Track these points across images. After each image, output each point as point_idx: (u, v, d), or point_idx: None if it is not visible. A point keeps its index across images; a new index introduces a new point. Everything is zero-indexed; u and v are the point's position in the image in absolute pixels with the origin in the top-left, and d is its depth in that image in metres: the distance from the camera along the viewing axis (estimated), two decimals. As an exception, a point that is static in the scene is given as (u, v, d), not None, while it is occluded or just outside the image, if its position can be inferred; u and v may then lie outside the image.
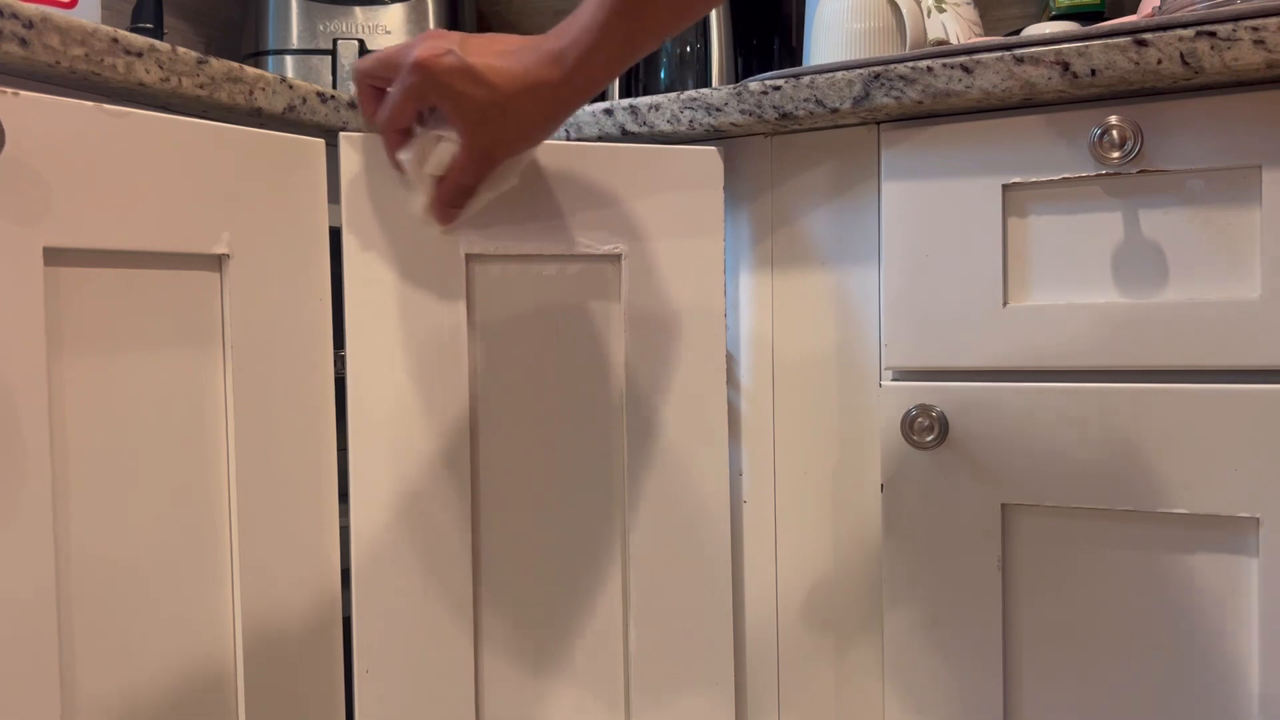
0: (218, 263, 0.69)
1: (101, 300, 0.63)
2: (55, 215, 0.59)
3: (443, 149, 0.68)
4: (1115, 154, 0.71)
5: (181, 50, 0.69)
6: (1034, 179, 0.74)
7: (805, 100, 0.78)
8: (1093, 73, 0.70)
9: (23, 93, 0.58)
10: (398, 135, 0.70)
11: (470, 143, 0.67)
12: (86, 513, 0.62)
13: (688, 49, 1.20)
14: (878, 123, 0.81)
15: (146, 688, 0.65)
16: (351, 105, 0.81)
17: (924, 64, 0.75)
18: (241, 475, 0.70)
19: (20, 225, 0.58)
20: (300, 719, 0.73)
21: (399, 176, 0.73)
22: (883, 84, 0.76)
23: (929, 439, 0.76)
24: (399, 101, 0.67)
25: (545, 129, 0.67)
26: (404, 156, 0.70)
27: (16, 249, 0.57)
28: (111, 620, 0.63)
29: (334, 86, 1.28)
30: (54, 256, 0.60)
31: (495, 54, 0.64)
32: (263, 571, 0.71)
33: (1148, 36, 0.68)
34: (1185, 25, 0.67)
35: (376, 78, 0.69)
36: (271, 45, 1.31)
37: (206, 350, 0.68)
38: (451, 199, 0.71)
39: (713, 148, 0.81)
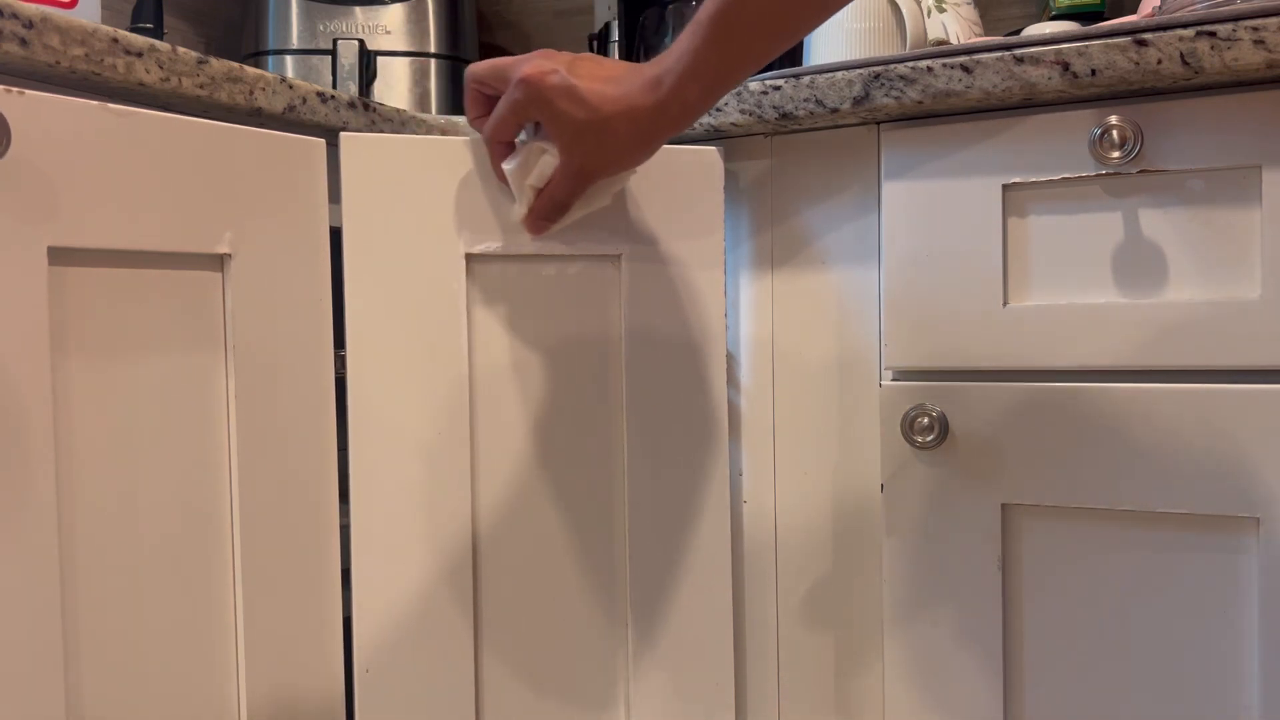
0: (219, 262, 0.69)
1: (105, 300, 0.63)
2: (60, 215, 0.59)
3: (545, 162, 0.70)
4: (1115, 154, 0.71)
5: (181, 50, 0.69)
6: (1034, 179, 0.74)
7: (805, 100, 0.79)
8: (1093, 73, 0.70)
9: (28, 92, 0.58)
10: (502, 146, 0.73)
11: (568, 160, 0.69)
12: (90, 511, 0.62)
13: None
14: (878, 123, 0.81)
15: (148, 684, 0.65)
16: (351, 105, 0.81)
17: (924, 64, 0.75)
18: (243, 473, 0.70)
19: (25, 225, 0.58)
20: (300, 714, 0.74)
21: (501, 185, 0.75)
22: (883, 84, 0.76)
23: (929, 439, 0.76)
24: (504, 114, 0.70)
25: (640, 152, 0.69)
26: (508, 166, 0.72)
27: (21, 248, 0.57)
28: (115, 617, 0.63)
29: (334, 86, 1.28)
30: (58, 256, 0.60)
31: (599, 78, 0.66)
32: (263, 568, 0.71)
33: (1148, 36, 0.68)
34: (1185, 25, 0.67)
35: (485, 84, 0.72)
36: (271, 45, 1.31)
37: (208, 349, 0.68)
38: (546, 213, 0.73)
39: (713, 147, 0.81)
